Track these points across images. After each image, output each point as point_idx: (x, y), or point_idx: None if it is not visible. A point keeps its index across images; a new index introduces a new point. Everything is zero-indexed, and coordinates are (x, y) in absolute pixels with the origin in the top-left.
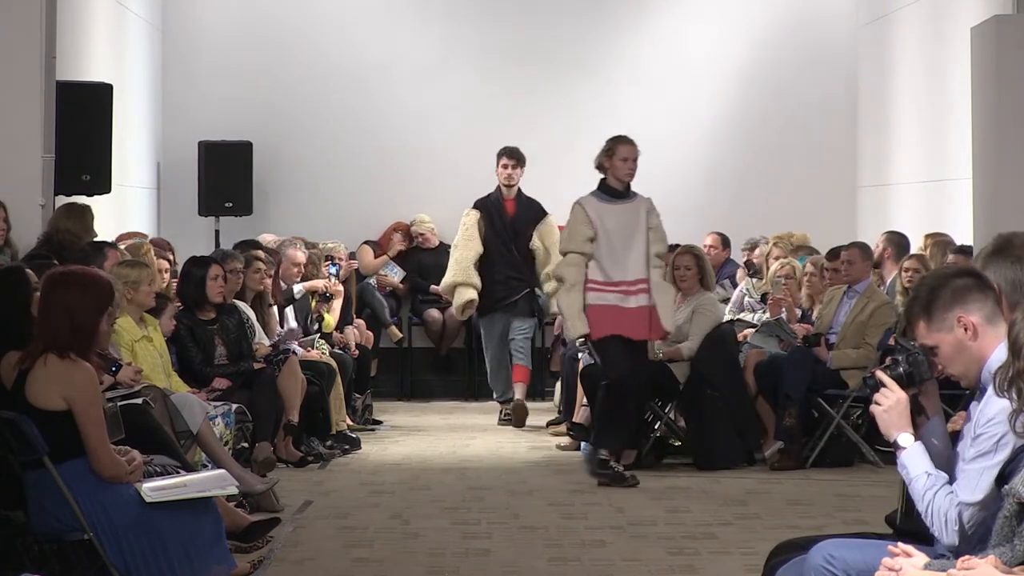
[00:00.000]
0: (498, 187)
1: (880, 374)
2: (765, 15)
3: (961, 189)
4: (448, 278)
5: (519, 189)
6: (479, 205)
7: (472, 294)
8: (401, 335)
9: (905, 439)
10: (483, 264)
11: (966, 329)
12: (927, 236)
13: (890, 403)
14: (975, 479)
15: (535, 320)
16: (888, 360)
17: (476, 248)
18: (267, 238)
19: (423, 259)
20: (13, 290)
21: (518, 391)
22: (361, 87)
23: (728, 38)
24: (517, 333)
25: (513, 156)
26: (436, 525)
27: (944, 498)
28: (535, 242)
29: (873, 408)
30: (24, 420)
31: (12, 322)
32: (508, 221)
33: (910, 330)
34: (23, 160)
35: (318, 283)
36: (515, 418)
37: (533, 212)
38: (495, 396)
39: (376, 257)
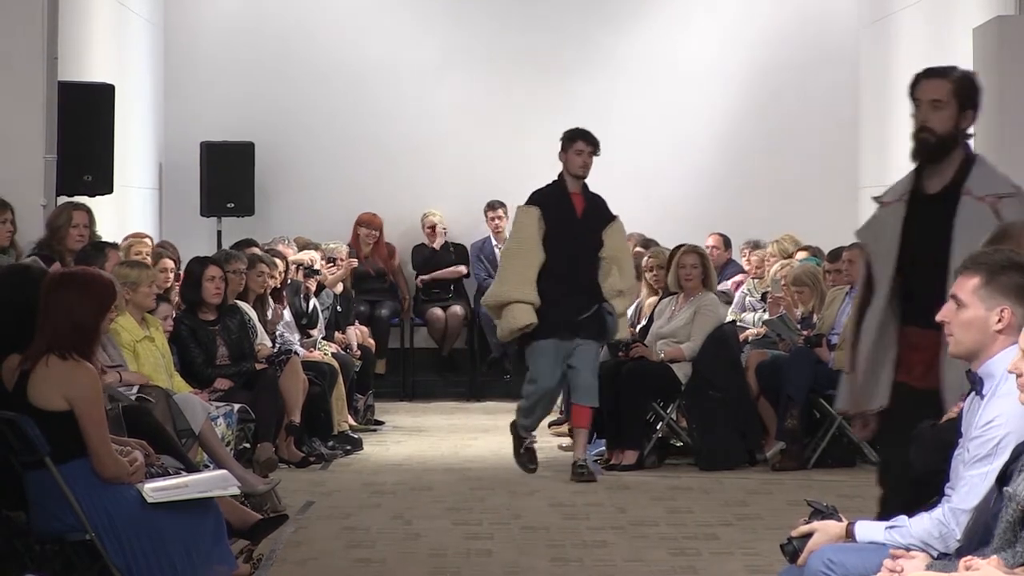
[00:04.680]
0: (560, 177)
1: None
2: (767, 16)
3: None
4: (500, 291)
5: (585, 183)
6: (538, 200)
7: (531, 317)
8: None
9: (852, 531)
10: (542, 274)
11: (999, 320)
12: None
13: (820, 539)
14: (976, 484)
15: (601, 345)
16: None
17: (538, 256)
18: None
19: (426, 256)
20: (14, 291)
21: (579, 443)
22: (363, 87)
23: (730, 40)
24: (583, 363)
25: (590, 141)
26: (438, 526)
27: (920, 524)
28: (604, 249)
29: (809, 546)
30: (26, 421)
31: (14, 323)
32: (576, 220)
33: (958, 273)
34: (25, 161)
35: (303, 256)
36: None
37: (601, 212)
38: (520, 426)
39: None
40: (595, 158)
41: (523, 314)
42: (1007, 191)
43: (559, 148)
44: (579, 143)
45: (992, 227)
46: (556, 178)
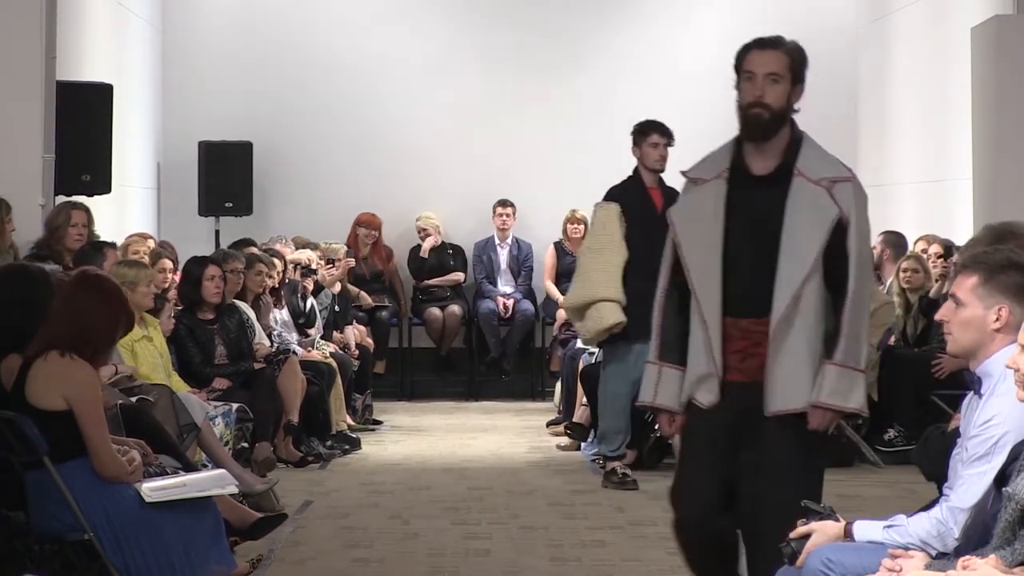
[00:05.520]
0: (636, 172)
1: (795, 534)
2: (766, 16)
3: (961, 189)
4: (584, 290)
5: (661, 176)
6: (616, 195)
7: (619, 315)
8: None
9: (850, 530)
10: (625, 273)
11: (997, 319)
12: (921, 238)
13: (818, 540)
14: (975, 483)
15: None
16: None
17: (621, 253)
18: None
19: (419, 265)
20: (12, 291)
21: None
22: (361, 87)
23: (729, 39)
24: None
25: (664, 132)
26: (436, 525)
27: (919, 523)
28: None
29: (808, 547)
30: (24, 420)
31: (13, 324)
32: (656, 216)
33: (957, 272)
34: (23, 160)
35: (301, 255)
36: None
37: None
38: (607, 449)
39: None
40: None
41: (611, 312)
42: (842, 175)
43: (631, 143)
44: (653, 135)
45: (830, 211)
46: (631, 173)
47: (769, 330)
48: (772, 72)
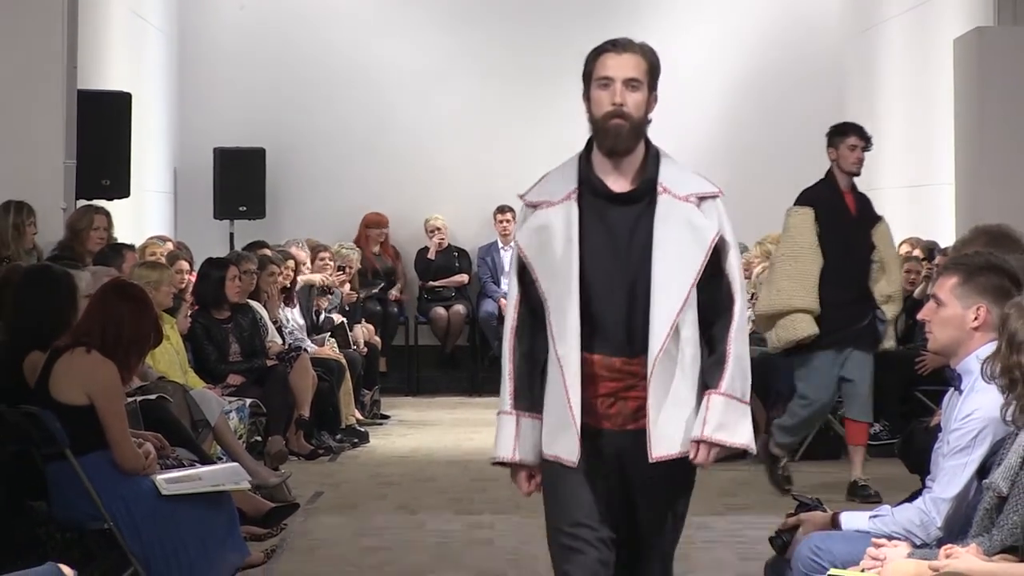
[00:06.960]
0: (830, 174)
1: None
2: (755, 26)
3: (944, 193)
4: (778, 299)
5: (854, 181)
6: (809, 199)
7: (812, 327)
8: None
9: (838, 520)
10: (819, 280)
11: (976, 318)
12: (905, 241)
13: (807, 530)
14: (956, 474)
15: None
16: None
17: (816, 261)
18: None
19: (426, 265)
20: (35, 291)
21: (856, 462)
22: (370, 94)
23: (719, 48)
24: (859, 376)
25: (863, 135)
26: (441, 515)
27: (903, 513)
28: (875, 252)
29: (797, 538)
30: (47, 415)
31: (36, 322)
32: (852, 221)
33: (939, 272)
34: (45, 166)
35: (315, 277)
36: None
37: (870, 212)
38: (779, 444)
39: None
40: None
41: (805, 324)
42: (709, 191)
43: (826, 144)
44: (852, 137)
45: (708, 230)
46: (824, 176)
47: (647, 368)
48: (632, 77)
